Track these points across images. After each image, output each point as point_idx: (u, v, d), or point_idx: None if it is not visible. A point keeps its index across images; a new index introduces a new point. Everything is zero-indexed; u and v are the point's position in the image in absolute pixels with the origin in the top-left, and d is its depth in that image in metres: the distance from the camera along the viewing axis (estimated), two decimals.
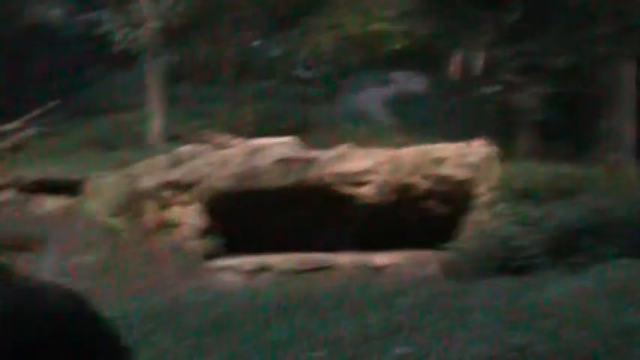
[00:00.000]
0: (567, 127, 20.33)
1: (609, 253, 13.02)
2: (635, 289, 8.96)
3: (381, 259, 16.23)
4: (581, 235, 14.21)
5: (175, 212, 17.12)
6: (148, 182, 17.29)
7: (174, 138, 21.66)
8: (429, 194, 16.99)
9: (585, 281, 9.87)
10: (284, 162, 16.90)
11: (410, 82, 25.88)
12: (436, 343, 7.03)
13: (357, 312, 8.49)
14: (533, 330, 7.26)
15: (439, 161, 16.83)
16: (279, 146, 17.62)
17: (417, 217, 16.95)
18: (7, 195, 18.76)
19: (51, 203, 18.18)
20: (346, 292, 9.79)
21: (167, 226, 17.05)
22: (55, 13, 25.61)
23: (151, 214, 17.16)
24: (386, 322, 7.87)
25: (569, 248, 14.07)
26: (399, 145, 18.02)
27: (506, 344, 6.81)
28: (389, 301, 8.95)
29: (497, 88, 19.90)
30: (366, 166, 16.93)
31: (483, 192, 16.57)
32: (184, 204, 17.15)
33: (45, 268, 16.52)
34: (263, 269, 15.99)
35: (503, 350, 6.68)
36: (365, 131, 22.21)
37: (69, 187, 18.05)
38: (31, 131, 23.34)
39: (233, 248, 16.84)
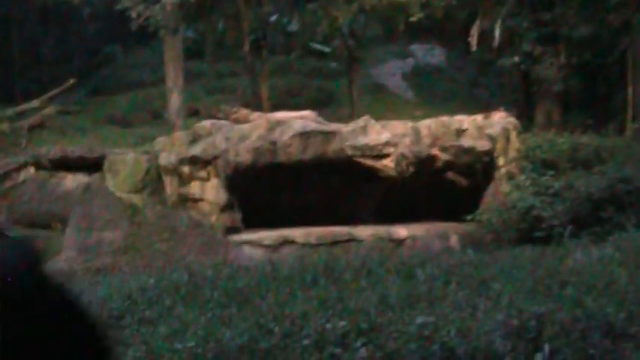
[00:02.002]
0: (588, 97, 20.23)
1: (630, 223, 12.96)
2: None
3: (401, 231, 16.20)
4: (602, 205, 14.15)
5: (195, 188, 17.14)
6: (167, 158, 17.30)
7: (193, 114, 21.70)
8: (448, 166, 16.95)
9: (605, 250, 9.83)
10: (303, 136, 16.86)
11: (429, 54, 25.81)
12: (457, 312, 7.03)
13: (378, 283, 8.49)
14: (553, 298, 7.24)
15: (459, 133, 16.77)
16: (298, 120, 17.57)
17: (437, 189, 16.93)
18: (28, 173, 18.84)
19: (71, 181, 18.24)
20: (367, 264, 9.78)
21: (187, 201, 17.07)
22: None
23: (170, 190, 17.20)
24: (407, 293, 7.87)
25: (590, 218, 14.03)
26: (418, 118, 17.96)
27: (526, 312, 6.79)
28: (409, 271, 8.94)
29: (517, 59, 19.73)
30: (385, 138, 16.86)
31: (504, 163, 16.50)
32: (204, 179, 17.16)
33: (66, 245, 16.63)
34: (284, 243, 15.99)
35: (523, 318, 6.66)
36: (384, 104, 22.19)
37: (89, 165, 18.10)
38: (50, 110, 23.43)
39: (253, 223, 16.86)
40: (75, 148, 18.79)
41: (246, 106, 21.54)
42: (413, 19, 20.11)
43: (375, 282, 8.58)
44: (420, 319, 6.68)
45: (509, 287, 7.70)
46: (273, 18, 22.58)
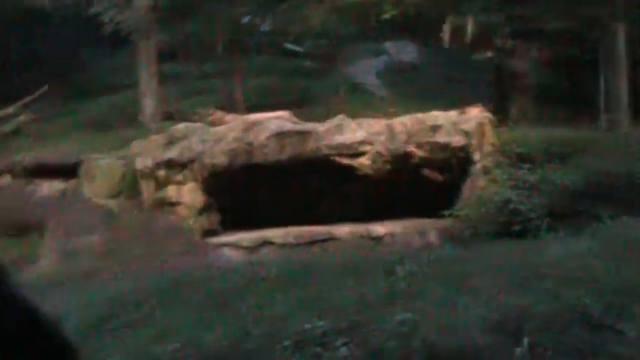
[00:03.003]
0: (563, 90, 20.33)
1: (607, 215, 13.04)
2: (633, 247, 8.98)
3: (380, 229, 16.23)
4: (579, 198, 14.22)
5: (172, 191, 17.10)
6: (143, 162, 17.26)
7: (168, 117, 21.62)
8: (425, 162, 16.98)
9: (582, 242, 9.89)
10: (279, 136, 16.87)
11: (403, 51, 25.86)
12: (436, 308, 7.05)
13: (357, 281, 8.49)
14: (533, 291, 7.28)
15: (434, 129, 16.81)
16: (273, 120, 17.57)
17: (414, 185, 16.96)
18: (4, 180, 18.74)
19: (48, 187, 18.16)
20: (345, 262, 9.79)
21: (164, 205, 17.03)
22: None
23: (147, 194, 17.16)
24: (386, 290, 7.88)
25: (567, 211, 14.09)
26: (393, 115, 17.99)
27: (506, 306, 6.83)
28: (388, 269, 8.94)
29: (491, 53, 19.82)
30: (361, 136, 16.89)
31: (479, 158, 16.55)
32: (181, 182, 17.13)
33: (45, 252, 16.55)
34: (263, 244, 15.98)
35: (503, 312, 6.70)
36: (360, 102, 22.18)
37: (65, 171, 18.02)
38: (25, 116, 23.30)
39: (232, 224, 16.86)
40: (50, 155, 18.71)
41: (222, 107, 21.51)
42: (386, 16, 20.16)
43: (354, 280, 8.58)
44: (399, 316, 6.70)
45: (488, 282, 7.74)
46: (246, 19, 22.55)
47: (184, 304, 8.04)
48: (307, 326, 6.80)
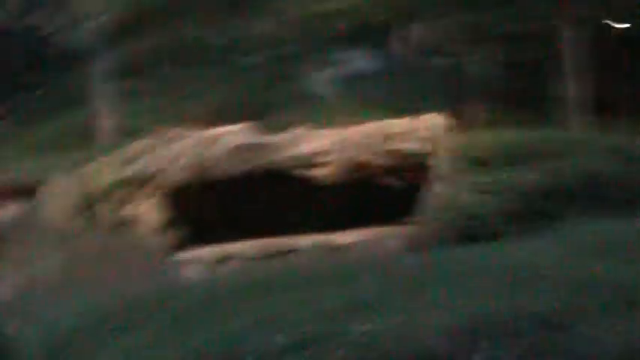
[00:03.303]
0: (518, 92, 20.44)
1: (562, 215, 13.16)
2: (590, 247, 9.08)
3: (343, 238, 16.27)
4: (539, 200, 14.35)
5: (131, 210, 17.01)
6: (102, 181, 17.15)
7: (126, 133, 21.46)
8: (384, 170, 17.04)
9: (542, 244, 9.98)
10: (237, 150, 16.86)
11: (356, 60, 25.89)
12: (395, 317, 7.06)
13: (319, 293, 8.49)
14: (491, 296, 7.31)
15: (390, 137, 16.87)
16: (232, 134, 17.56)
17: (373, 194, 17.00)
18: None
19: (5, 210, 17.96)
20: (307, 274, 9.79)
21: (124, 224, 16.92)
22: None
23: (108, 213, 17.03)
24: (347, 301, 7.88)
25: (528, 213, 14.20)
26: (352, 124, 18.01)
27: (467, 313, 6.86)
28: (350, 279, 8.96)
29: (446, 59, 19.93)
30: (319, 147, 16.94)
31: (436, 164, 16.62)
32: (141, 200, 17.04)
33: (3, 275, 16.38)
34: (226, 258, 15.95)
35: (464, 319, 6.72)
36: (317, 113, 22.18)
37: (23, 193, 17.83)
38: None
39: (196, 240, 16.79)
40: (7, 177, 18.50)
41: (179, 123, 21.38)
42: (337, 27, 20.21)
43: (315, 292, 8.58)
44: (359, 328, 6.71)
45: (445, 289, 7.77)
46: (197, 35, 22.50)
47: (143, 326, 7.99)
48: (266, 342, 6.78)
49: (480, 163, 16.03)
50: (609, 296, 6.94)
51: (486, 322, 6.55)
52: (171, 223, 17.07)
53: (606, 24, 19.67)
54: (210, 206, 17.21)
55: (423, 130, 16.82)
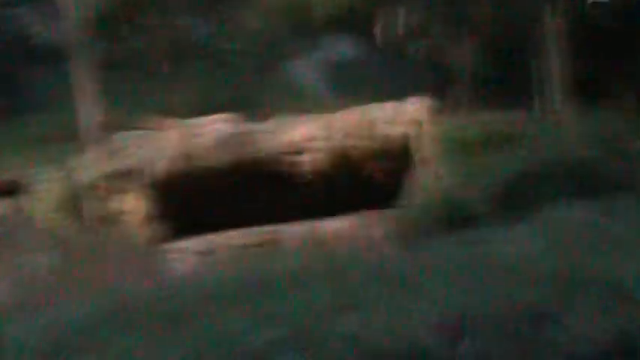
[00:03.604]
0: (498, 77, 20.52)
1: (545, 199, 13.29)
2: (573, 233, 9.21)
3: (328, 225, 16.38)
4: (521, 183, 14.46)
5: (118, 202, 17.07)
6: (87, 175, 17.19)
7: (110, 128, 21.44)
8: (366, 157, 17.15)
9: (524, 230, 10.11)
10: (220, 140, 16.93)
11: (339, 47, 25.93)
12: (386, 314, 7.17)
13: (305, 288, 8.58)
14: (476, 287, 7.43)
15: (372, 123, 16.97)
16: (215, 124, 17.62)
17: (357, 180, 17.12)
18: None
19: None
20: (292, 268, 9.86)
21: (111, 216, 16.98)
22: None
23: (93, 207, 17.07)
24: (334, 297, 7.98)
25: (511, 197, 14.32)
26: (332, 110, 18.10)
27: (454, 308, 6.97)
28: (336, 273, 9.05)
29: (426, 44, 20.00)
30: (303, 134, 17.04)
31: (421, 148, 16.74)
32: (126, 193, 17.10)
33: None
34: (211, 250, 16.04)
35: (452, 314, 6.84)
36: (300, 100, 22.23)
37: (8, 191, 17.83)
38: None
39: (181, 231, 16.87)
40: None
41: (162, 114, 21.40)
42: (318, 14, 20.26)
43: (301, 287, 8.67)
44: (346, 326, 6.83)
45: (437, 282, 7.87)
46: (184, 23, 22.49)
47: (136, 327, 8.05)
48: (257, 339, 6.89)
49: (462, 147, 16.13)
50: (597, 288, 7.06)
51: (474, 315, 6.67)
52: (156, 215, 17.13)
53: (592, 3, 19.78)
54: (197, 197, 17.27)
55: (404, 115, 16.91)
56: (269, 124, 17.41)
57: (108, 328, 8.07)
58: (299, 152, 17.05)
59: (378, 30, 20.16)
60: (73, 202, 17.17)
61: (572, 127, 16.38)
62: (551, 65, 19.04)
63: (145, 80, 24.64)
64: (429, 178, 15.89)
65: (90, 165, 17.29)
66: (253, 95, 22.32)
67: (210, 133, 17.22)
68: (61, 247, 16.24)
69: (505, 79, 20.02)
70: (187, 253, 16.10)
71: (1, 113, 24.95)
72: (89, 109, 21.58)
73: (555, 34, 19.12)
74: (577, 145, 15.07)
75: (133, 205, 17.02)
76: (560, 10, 19.12)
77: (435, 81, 20.66)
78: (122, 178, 17.03)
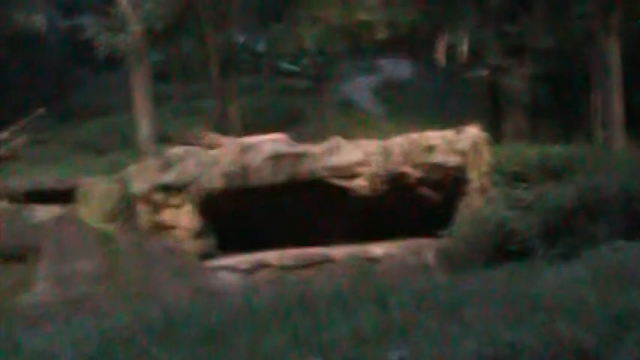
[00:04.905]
0: (556, 106, 20.36)
1: (602, 233, 13.03)
2: (627, 274, 8.97)
3: (376, 249, 16.26)
4: (574, 216, 14.19)
5: (169, 215, 17.13)
6: (139, 186, 17.28)
7: (163, 139, 21.63)
8: (421, 183, 17.01)
9: (578, 268, 9.87)
10: (274, 159, 16.90)
11: (396, 68, 25.92)
12: (429, 342, 7.04)
13: (351, 312, 8.48)
14: (526, 324, 7.25)
15: (429, 149, 16.84)
16: (269, 143, 17.60)
17: (410, 205, 16.97)
18: (1, 205, 18.69)
19: (44, 212, 18.11)
20: (340, 291, 9.76)
21: (161, 228, 17.04)
22: (38, 20, 25.45)
23: (143, 217, 17.15)
24: (380, 322, 7.87)
25: (563, 230, 14.07)
26: (389, 134, 18.01)
27: (498, 340, 6.82)
28: (382, 298, 8.93)
29: (484, 71, 19.87)
30: (356, 158, 16.93)
31: (475, 177, 16.57)
32: (178, 206, 17.16)
33: (41, 277, 16.52)
34: (259, 267, 15.99)
35: (495, 347, 6.69)
36: (354, 121, 22.23)
37: (61, 195, 18.00)
38: (20, 140, 23.25)
39: (229, 247, 16.88)
40: (46, 179, 18.70)
41: (216, 128, 21.53)
42: (379, 37, 20.27)
43: (348, 311, 8.57)
44: (392, 353, 6.70)
45: (481, 313, 7.72)
46: (239, 40, 22.64)
47: (178, 340, 8.02)
48: None
49: (518, 177, 15.94)
50: None
51: (522, 351, 6.51)
52: (207, 229, 17.16)
53: None
54: (246, 213, 17.26)
55: (462, 143, 16.75)
56: (323, 145, 17.33)
57: (149, 340, 8.03)
58: (351, 175, 16.96)
59: (437, 54, 20.03)
60: (125, 212, 17.26)
61: (631, 157, 16.10)
62: (611, 93, 18.78)
63: (201, 93, 24.86)
64: (484, 208, 15.69)
65: (143, 176, 17.36)
66: (309, 112, 22.39)
67: (264, 151, 17.19)
68: (110, 252, 16.31)
69: (563, 108, 19.83)
70: (235, 269, 16.06)
71: (58, 119, 25.33)
72: (145, 119, 21.80)
73: (616, 61, 18.86)
74: (635, 177, 14.76)
75: (184, 219, 17.06)
76: (617, 34, 18.86)
77: (493, 108, 20.54)
78: (174, 192, 17.08)
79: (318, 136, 18.53)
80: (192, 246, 16.87)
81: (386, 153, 16.92)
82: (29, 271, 16.73)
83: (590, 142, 18.34)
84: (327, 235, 17.10)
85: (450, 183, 16.82)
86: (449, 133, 17.10)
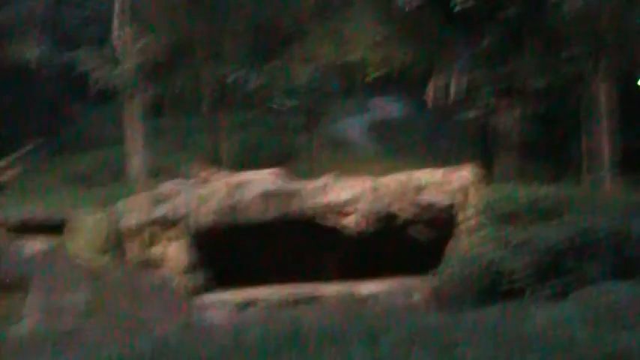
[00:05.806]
0: (547, 147, 20.44)
1: (590, 274, 13.08)
2: (616, 314, 9.02)
3: (366, 288, 16.26)
4: (565, 257, 14.23)
5: (160, 249, 17.14)
6: (131, 220, 17.30)
7: (156, 173, 21.66)
8: (409, 222, 17.05)
9: (568, 308, 9.93)
10: (264, 196, 16.96)
11: (388, 107, 26.07)
12: None
13: (343, 350, 8.49)
14: None
15: (418, 189, 16.89)
16: (261, 180, 17.66)
17: (401, 244, 16.97)
18: None
19: (35, 243, 18.10)
20: (331, 328, 9.78)
21: (152, 263, 17.04)
22: (34, 53, 25.57)
23: (133, 252, 17.16)
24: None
25: (554, 270, 14.09)
26: (381, 172, 18.06)
27: None
28: (373, 336, 8.95)
29: (476, 111, 19.95)
30: (348, 196, 16.99)
31: (467, 217, 16.61)
32: (169, 240, 17.19)
33: (29, 309, 16.47)
34: (249, 303, 15.99)
35: None
36: (347, 159, 22.30)
37: (53, 227, 17.99)
38: (13, 171, 23.25)
39: (220, 282, 16.87)
40: (36, 212, 18.68)
41: (208, 163, 21.55)
42: (371, 77, 20.39)
43: (339, 348, 8.58)
44: None
45: (473, 353, 7.74)
46: (232, 76, 22.74)
47: None
48: None
49: (507, 218, 15.96)
50: None
51: None
52: (196, 265, 17.16)
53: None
54: (236, 250, 17.27)
55: (451, 184, 16.82)
56: (315, 182, 17.40)
57: None
58: (343, 213, 17.00)
59: (428, 93, 20.17)
60: (116, 245, 17.27)
61: (620, 199, 16.18)
62: (600, 134, 18.91)
63: (194, 128, 24.91)
64: (473, 248, 15.71)
65: (134, 210, 17.39)
66: (301, 150, 22.44)
67: (256, 186, 17.25)
68: (100, 286, 16.29)
69: (553, 148, 19.92)
70: (225, 304, 16.05)
71: (50, 151, 25.32)
72: (137, 153, 21.83)
73: (605, 102, 19.00)
74: (625, 219, 14.83)
75: (175, 253, 17.07)
76: (607, 74, 19.02)
77: (483, 147, 20.60)
78: (166, 226, 17.10)
79: (311, 174, 18.59)
80: (182, 281, 16.87)
81: (377, 192, 16.97)
82: (19, 302, 16.68)
83: (580, 183, 18.39)
84: (317, 273, 17.10)
85: (439, 223, 16.86)
86: (439, 173, 17.15)
